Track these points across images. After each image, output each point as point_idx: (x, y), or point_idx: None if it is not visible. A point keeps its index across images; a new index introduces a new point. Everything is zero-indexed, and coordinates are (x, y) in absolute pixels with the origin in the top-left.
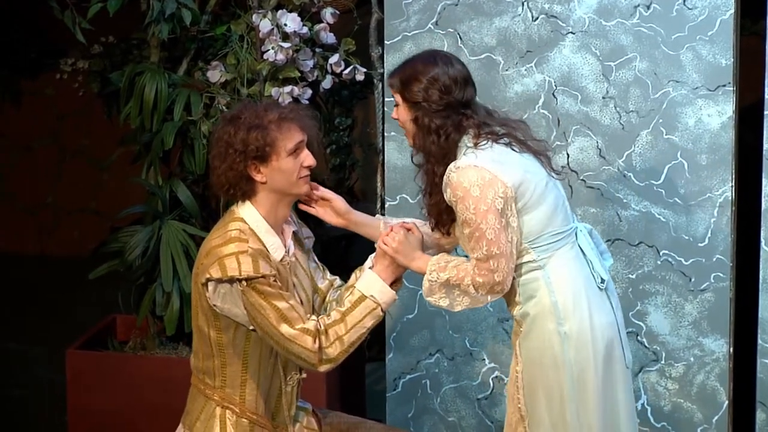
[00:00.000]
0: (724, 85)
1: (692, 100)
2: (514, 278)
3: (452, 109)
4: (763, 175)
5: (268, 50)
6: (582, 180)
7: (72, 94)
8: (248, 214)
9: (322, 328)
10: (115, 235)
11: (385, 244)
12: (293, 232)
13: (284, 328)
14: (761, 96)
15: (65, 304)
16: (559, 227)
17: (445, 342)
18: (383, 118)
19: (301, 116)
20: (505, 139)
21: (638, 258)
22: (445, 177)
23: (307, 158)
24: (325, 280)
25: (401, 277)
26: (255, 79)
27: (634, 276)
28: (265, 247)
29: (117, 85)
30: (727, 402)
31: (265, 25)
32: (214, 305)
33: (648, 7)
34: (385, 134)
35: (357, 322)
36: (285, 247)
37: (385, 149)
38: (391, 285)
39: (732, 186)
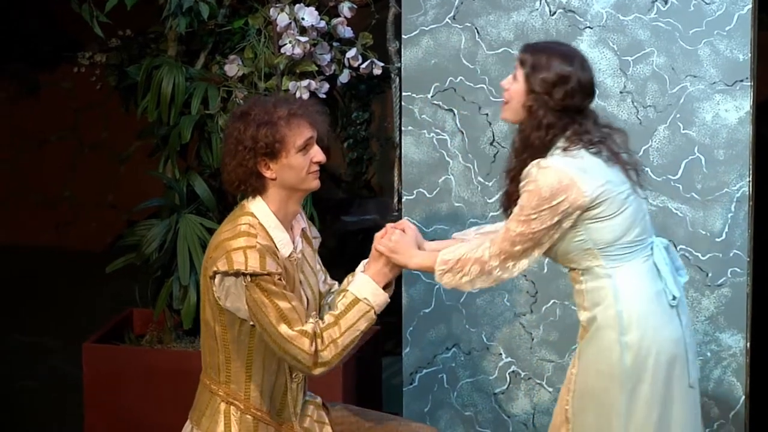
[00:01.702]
0: (742, 80)
1: (710, 95)
2: (582, 282)
3: (566, 112)
4: None
5: (286, 44)
6: None
7: (89, 88)
8: (258, 209)
9: (318, 331)
10: (132, 229)
11: (381, 245)
12: (302, 229)
13: (283, 328)
14: None
15: (82, 297)
16: (632, 240)
17: (461, 336)
18: (400, 112)
19: (311, 112)
20: (597, 147)
21: None
22: (527, 167)
23: (317, 154)
24: (326, 284)
25: (393, 282)
26: (272, 73)
27: None
28: (273, 242)
29: (134, 78)
30: (744, 397)
31: (282, 19)
32: (218, 298)
33: (666, 2)
34: (402, 128)
35: (351, 325)
36: (293, 243)
37: (402, 143)
38: (384, 288)
39: (749, 181)
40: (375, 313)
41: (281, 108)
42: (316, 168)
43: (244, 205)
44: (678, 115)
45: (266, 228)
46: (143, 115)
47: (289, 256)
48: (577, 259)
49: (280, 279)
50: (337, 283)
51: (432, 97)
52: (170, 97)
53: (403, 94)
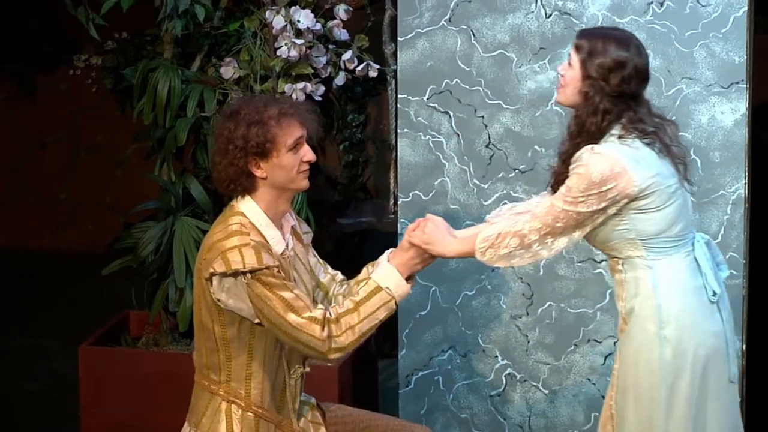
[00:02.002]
0: (738, 83)
1: (705, 98)
2: (622, 272)
3: (622, 98)
4: None
5: (281, 47)
6: None
7: (86, 90)
8: (248, 208)
9: (333, 316)
10: (128, 231)
11: (415, 237)
12: (291, 226)
13: (291, 317)
14: None
15: (79, 298)
16: (676, 234)
17: (457, 338)
18: (396, 114)
19: (301, 111)
20: (650, 138)
21: None
22: (580, 151)
23: (307, 153)
24: (327, 274)
25: (415, 275)
26: (268, 76)
27: None
28: (266, 240)
29: (130, 81)
30: (739, 399)
31: (278, 21)
32: (218, 300)
33: (661, 5)
34: (398, 131)
35: (370, 312)
36: (284, 241)
37: (398, 146)
38: (406, 280)
39: (745, 183)
40: (395, 303)
41: (271, 107)
42: (306, 167)
43: (234, 205)
44: (674, 117)
45: (257, 226)
46: (139, 117)
47: (282, 253)
48: (618, 248)
49: (278, 271)
50: (339, 273)
51: (428, 99)
52: (166, 99)
53: (399, 96)
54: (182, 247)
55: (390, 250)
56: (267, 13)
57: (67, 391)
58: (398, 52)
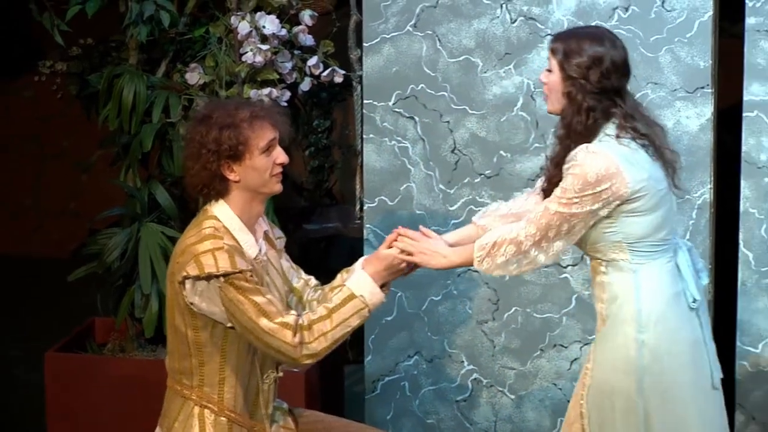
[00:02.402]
0: (703, 87)
1: (671, 102)
2: (603, 274)
3: (605, 93)
4: (742, 177)
5: (247, 52)
6: None
7: (51, 96)
8: (222, 212)
9: (306, 323)
10: (93, 238)
11: (416, 256)
12: (264, 232)
13: (263, 322)
14: (739, 98)
15: (45, 305)
16: (661, 239)
17: (423, 344)
18: (362, 119)
19: (272, 113)
20: (644, 140)
21: None
22: (574, 151)
23: (280, 155)
24: (300, 279)
25: (389, 283)
26: (233, 81)
27: None
28: (239, 244)
29: (96, 87)
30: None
31: (243, 27)
32: (191, 303)
33: (626, 9)
34: (364, 136)
35: (343, 320)
36: (257, 245)
37: (364, 151)
38: (381, 288)
39: (710, 188)
40: (369, 311)
41: (243, 110)
42: (279, 170)
43: (207, 209)
44: None
45: (231, 230)
46: (104, 123)
47: (255, 257)
48: (603, 250)
49: (251, 276)
50: (312, 278)
51: (393, 104)
52: (131, 105)
53: (365, 101)
54: (148, 253)
55: (364, 257)
56: (232, 18)
57: (32, 399)
58: (364, 58)
